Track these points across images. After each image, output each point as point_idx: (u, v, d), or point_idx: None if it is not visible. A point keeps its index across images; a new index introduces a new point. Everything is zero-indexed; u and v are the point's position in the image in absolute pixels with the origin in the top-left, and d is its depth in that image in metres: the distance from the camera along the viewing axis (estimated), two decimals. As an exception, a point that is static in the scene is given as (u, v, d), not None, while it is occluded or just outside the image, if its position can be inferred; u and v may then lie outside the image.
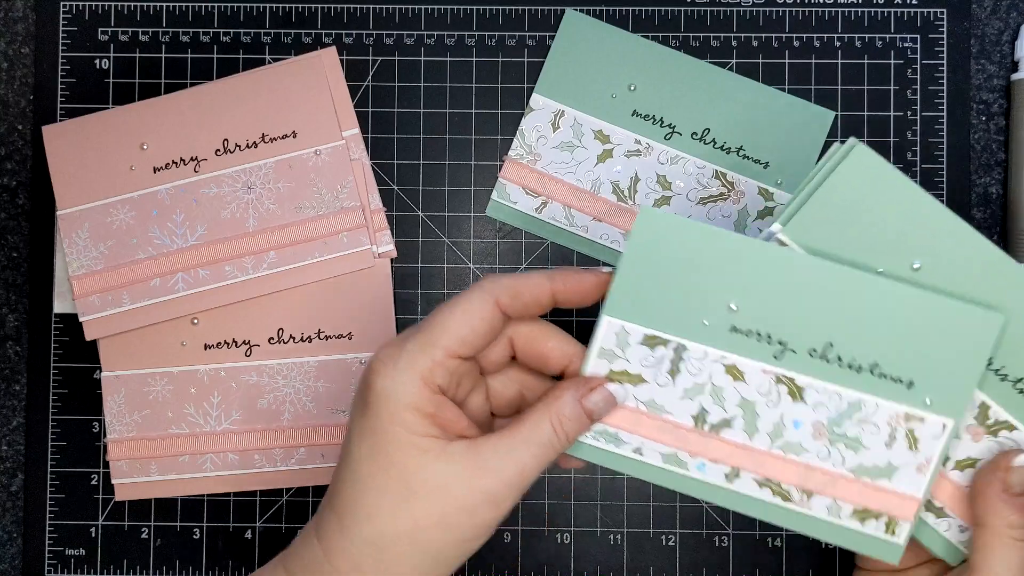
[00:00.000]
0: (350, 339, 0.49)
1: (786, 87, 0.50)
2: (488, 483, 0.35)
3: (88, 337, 0.48)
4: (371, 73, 0.51)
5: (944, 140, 0.50)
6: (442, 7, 0.51)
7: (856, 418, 0.37)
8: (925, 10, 0.51)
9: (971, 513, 0.38)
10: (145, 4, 0.51)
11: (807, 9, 0.51)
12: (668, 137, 0.50)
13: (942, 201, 0.50)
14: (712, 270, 0.37)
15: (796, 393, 0.37)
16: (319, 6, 0.51)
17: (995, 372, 0.38)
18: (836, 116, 0.50)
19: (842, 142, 0.37)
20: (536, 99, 0.50)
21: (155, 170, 0.49)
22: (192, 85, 0.50)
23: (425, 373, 0.35)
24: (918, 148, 0.50)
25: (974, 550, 0.37)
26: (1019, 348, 0.37)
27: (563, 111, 0.50)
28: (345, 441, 0.37)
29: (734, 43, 0.50)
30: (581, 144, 0.50)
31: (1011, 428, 0.38)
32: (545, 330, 0.39)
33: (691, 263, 0.37)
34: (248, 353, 0.49)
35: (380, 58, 0.51)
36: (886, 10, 0.51)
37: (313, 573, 0.36)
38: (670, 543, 0.49)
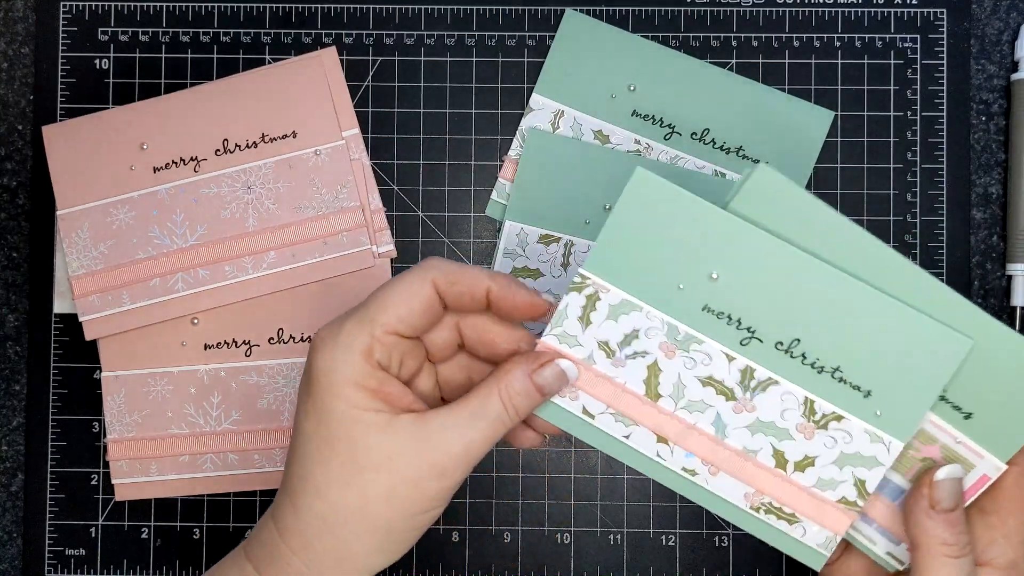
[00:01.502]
0: (350, 339, 0.49)
1: (786, 87, 0.50)
2: (435, 456, 0.35)
3: (88, 337, 0.48)
4: (371, 73, 0.51)
5: (944, 140, 0.50)
6: (442, 7, 0.51)
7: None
8: (925, 10, 0.51)
9: (905, 534, 0.38)
10: (145, 4, 0.51)
11: (807, 9, 0.51)
12: (668, 137, 0.50)
13: (941, 200, 0.50)
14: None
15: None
16: (319, 6, 0.51)
17: (811, 366, 0.38)
18: (836, 116, 0.50)
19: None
20: (536, 99, 0.50)
21: (155, 170, 0.49)
22: (192, 85, 0.50)
23: (364, 349, 0.35)
24: (918, 148, 0.50)
25: (912, 571, 0.37)
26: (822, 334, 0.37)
27: (563, 111, 0.50)
28: (295, 422, 0.37)
29: (734, 43, 0.50)
30: (581, 144, 0.50)
31: (839, 419, 0.38)
32: (492, 317, 0.39)
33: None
34: (248, 353, 0.49)
35: (380, 58, 0.51)
36: (886, 10, 0.51)
37: (270, 554, 0.37)
38: (670, 543, 0.49)
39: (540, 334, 0.39)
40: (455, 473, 0.36)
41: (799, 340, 0.37)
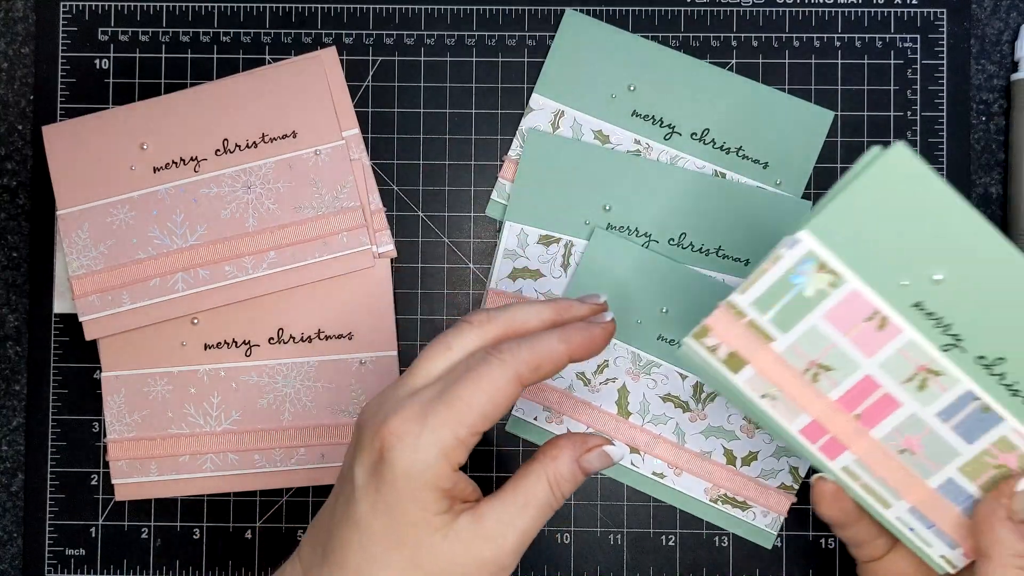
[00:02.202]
0: (350, 339, 0.49)
1: (786, 87, 0.50)
2: (493, 553, 0.35)
3: (88, 337, 0.48)
4: (371, 73, 0.51)
5: (944, 140, 0.50)
6: (442, 7, 0.51)
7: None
8: (925, 10, 0.51)
9: (973, 544, 0.37)
10: (145, 4, 0.51)
11: (807, 9, 0.51)
12: (668, 137, 0.50)
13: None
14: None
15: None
16: (319, 6, 0.51)
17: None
18: (836, 116, 0.50)
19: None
20: (536, 99, 0.50)
21: (155, 170, 0.49)
22: (192, 85, 0.50)
23: (449, 452, 0.34)
24: (918, 148, 0.50)
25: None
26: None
27: (563, 111, 0.50)
28: (350, 503, 0.36)
29: (734, 43, 0.50)
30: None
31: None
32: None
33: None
34: (248, 353, 0.49)
35: (380, 58, 0.51)
36: (886, 10, 0.51)
37: None
38: (670, 543, 0.49)
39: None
40: (511, 565, 0.36)
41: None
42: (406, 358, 0.50)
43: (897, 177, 0.34)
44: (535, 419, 0.49)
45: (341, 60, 0.50)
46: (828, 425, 0.37)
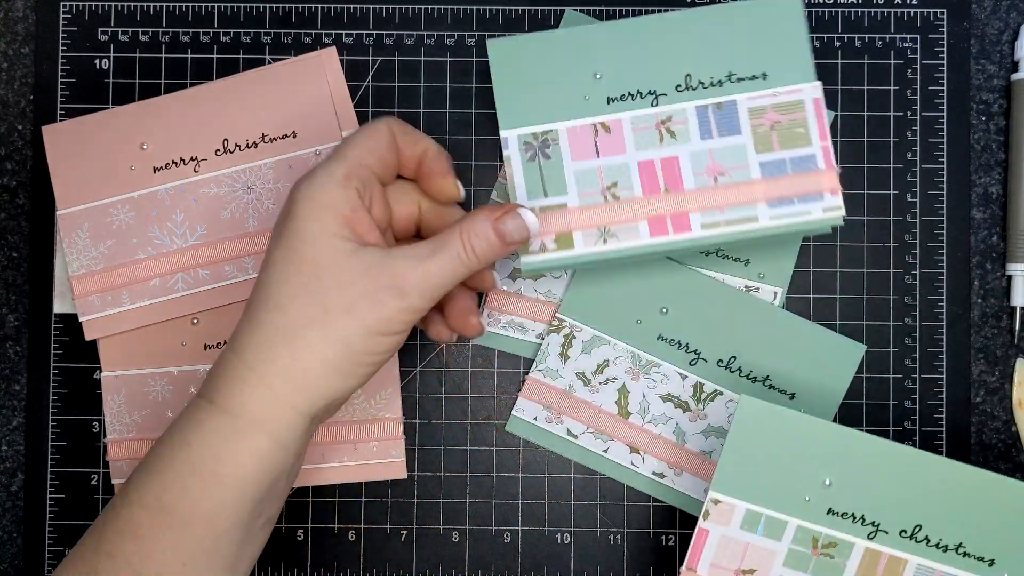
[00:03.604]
0: (350, 339, 0.49)
1: (786, 87, 0.50)
2: (394, 278, 0.37)
3: (88, 337, 0.48)
4: (371, 73, 0.51)
5: (944, 140, 0.50)
6: (442, 7, 0.51)
7: None
8: (925, 10, 0.51)
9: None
10: (145, 4, 0.51)
11: (807, 9, 0.51)
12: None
13: (941, 200, 0.50)
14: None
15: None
16: (319, 6, 0.51)
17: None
18: (836, 116, 0.50)
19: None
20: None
21: (155, 170, 0.49)
22: (192, 85, 0.50)
23: (342, 175, 0.39)
24: (918, 148, 0.50)
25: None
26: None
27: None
28: (265, 257, 0.39)
29: (734, 43, 0.50)
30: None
31: None
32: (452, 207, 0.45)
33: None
34: (248, 353, 0.49)
35: (380, 58, 0.51)
36: (886, 10, 0.51)
37: (224, 376, 0.38)
38: (670, 543, 0.49)
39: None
40: (412, 295, 0.38)
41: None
42: (406, 358, 0.50)
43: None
44: (535, 419, 0.49)
45: (341, 60, 0.50)
46: None
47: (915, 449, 0.40)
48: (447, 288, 0.39)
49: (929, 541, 0.40)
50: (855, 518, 0.40)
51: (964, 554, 0.40)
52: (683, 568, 0.41)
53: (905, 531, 0.40)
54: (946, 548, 0.40)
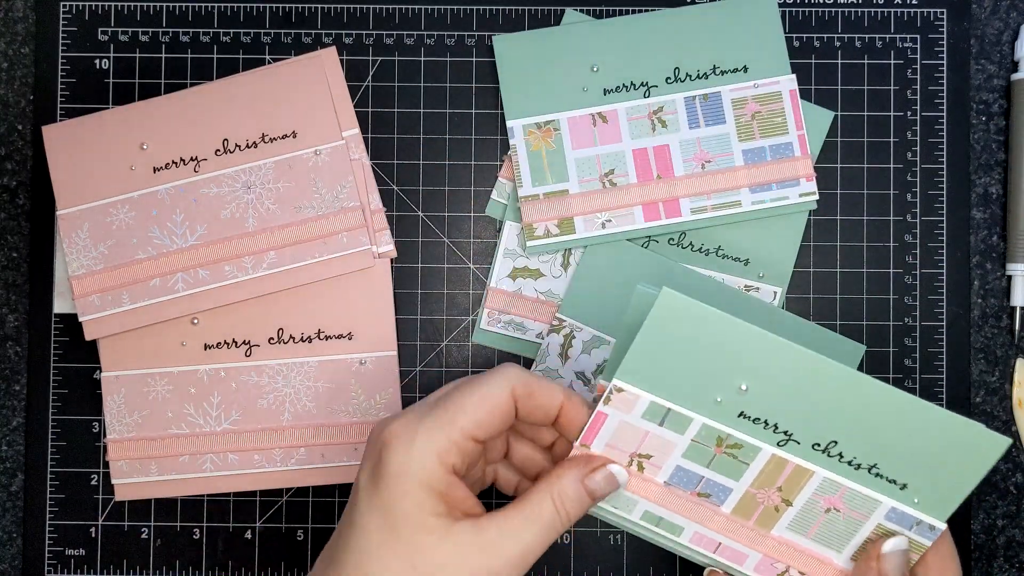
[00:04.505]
0: (350, 339, 0.49)
1: (786, 87, 0.50)
2: (492, 563, 0.35)
3: (88, 337, 0.48)
4: (371, 73, 0.51)
5: (944, 140, 0.50)
6: (442, 7, 0.51)
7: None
8: (925, 10, 0.51)
9: None
10: (145, 4, 0.51)
11: (807, 9, 0.51)
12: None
13: (941, 200, 0.50)
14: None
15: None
16: (319, 6, 0.51)
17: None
18: (836, 116, 0.50)
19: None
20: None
21: (155, 170, 0.49)
22: (192, 85, 0.50)
23: (442, 452, 0.35)
24: (918, 148, 0.50)
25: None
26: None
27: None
28: (352, 507, 0.37)
29: (734, 43, 0.50)
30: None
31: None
32: (540, 450, 0.41)
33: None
34: (248, 353, 0.49)
35: (380, 58, 0.51)
36: (886, 10, 0.51)
37: None
38: (670, 543, 0.49)
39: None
40: (504, 571, 0.36)
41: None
42: (406, 358, 0.50)
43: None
44: None
45: (341, 60, 0.50)
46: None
47: (844, 366, 0.38)
48: (538, 556, 0.37)
49: (842, 457, 0.39)
50: (767, 424, 0.39)
51: (877, 475, 0.39)
52: (576, 443, 0.39)
53: (819, 445, 0.39)
54: (859, 466, 0.39)
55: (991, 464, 0.38)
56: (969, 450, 0.38)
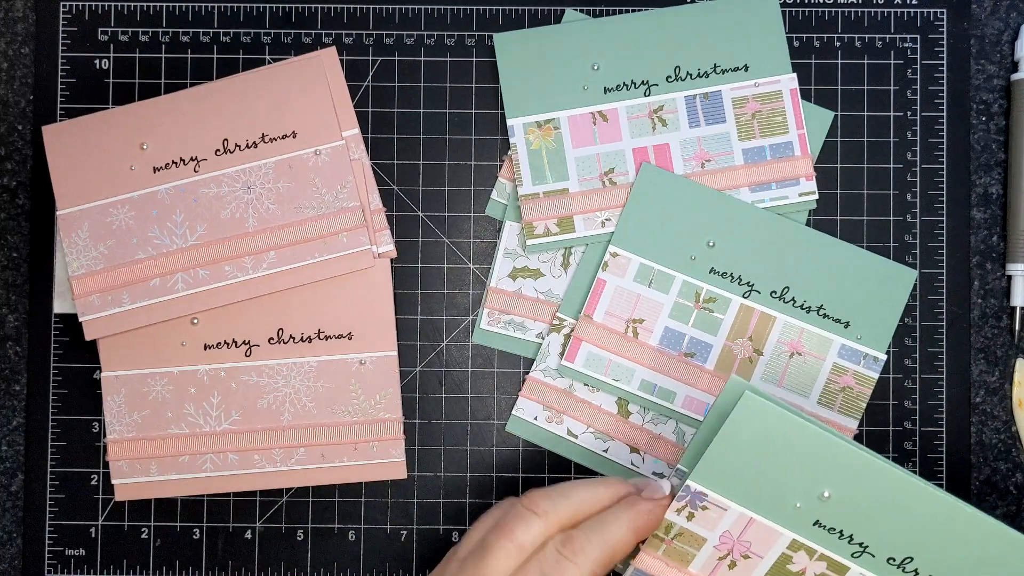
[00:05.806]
0: (350, 339, 0.49)
1: (786, 87, 0.50)
2: None
3: (88, 337, 0.48)
4: (371, 73, 0.51)
5: (944, 140, 0.50)
6: (442, 7, 0.51)
7: None
8: (925, 10, 0.51)
9: None
10: (145, 4, 0.51)
11: (807, 9, 0.51)
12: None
13: (941, 200, 0.50)
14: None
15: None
16: (319, 6, 0.51)
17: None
18: (836, 116, 0.50)
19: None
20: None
21: (155, 170, 0.49)
22: (192, 85, 0.50)
23: None
24: (918, 148, 0.50)
25: None
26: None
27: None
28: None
29: (734, 43, 0.50)
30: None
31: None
32: None
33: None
34: (248, 353, 0.49)
35: (380, 58, 0.51)
36: (886, 10, 0.51)
37: None
38: (670, 543, 0.49)
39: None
40: None
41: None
42: (406, 358, 0.50)
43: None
44: (535, 419, 0.49)
45: (341, 60, 0.50)
46: None
47: (790, 221, 0.47)
48: None
49: (795, 302, 0.46)
50: (733, 277, 0.46)
51: (824, 315, 0.47)
52: (581, 314, 0.46)
53: (775, 292, 0.45)
54: (808, 309, 0.46)
55: (907, 295, 0.48)
56: (890, 286, 0.47)
